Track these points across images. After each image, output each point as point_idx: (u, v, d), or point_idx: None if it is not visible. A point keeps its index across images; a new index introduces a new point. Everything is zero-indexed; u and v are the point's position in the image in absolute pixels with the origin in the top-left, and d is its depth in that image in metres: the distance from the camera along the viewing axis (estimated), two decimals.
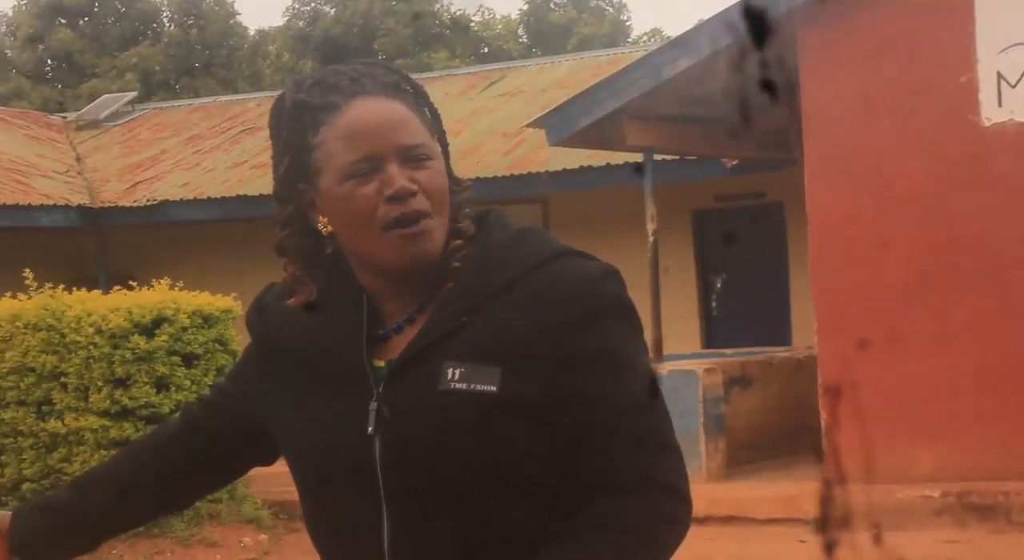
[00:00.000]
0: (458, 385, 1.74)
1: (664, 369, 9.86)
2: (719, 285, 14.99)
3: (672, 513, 1.76)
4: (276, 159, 1.86)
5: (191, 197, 16.35)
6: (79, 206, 16.57)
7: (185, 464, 2.04)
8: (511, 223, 1.86)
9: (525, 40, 36.57)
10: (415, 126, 1.80)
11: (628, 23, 37.57)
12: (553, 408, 1.74)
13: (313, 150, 1.80)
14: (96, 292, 10.13)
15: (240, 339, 10.15)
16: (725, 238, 14.43)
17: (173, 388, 9.51)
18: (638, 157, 11.59)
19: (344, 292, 1.86)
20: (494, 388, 1.73)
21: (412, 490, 1.77)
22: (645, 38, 35.65)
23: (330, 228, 1.82)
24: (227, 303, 10.06)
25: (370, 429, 1.77)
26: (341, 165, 1.77)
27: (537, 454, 1.76)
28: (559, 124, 10.90)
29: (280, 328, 1.91)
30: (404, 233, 1.76)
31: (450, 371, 1.75)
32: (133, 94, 24.06)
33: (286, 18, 34.06)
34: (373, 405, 1.78)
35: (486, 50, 34.64)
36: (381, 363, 1.82)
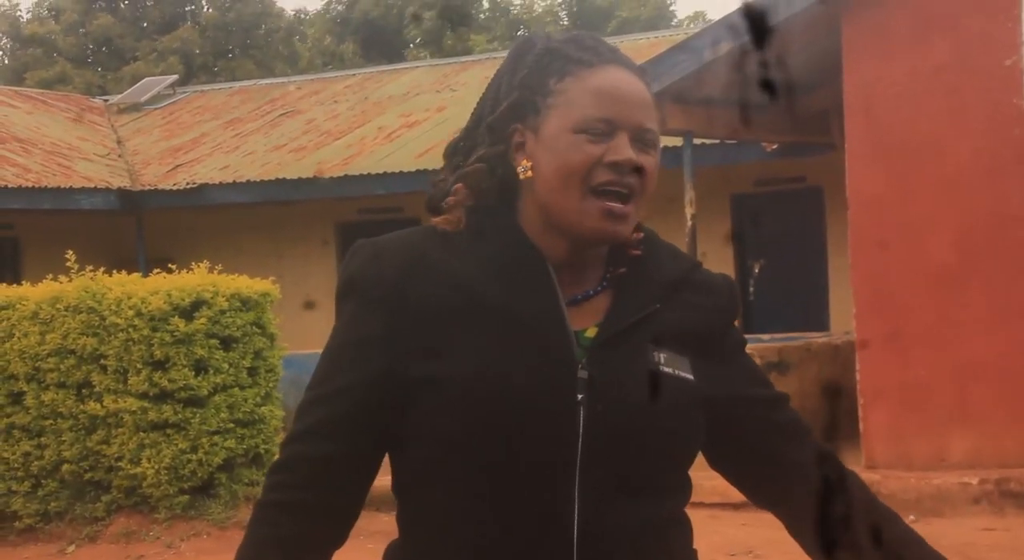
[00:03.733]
0: (666, 369, 1.81)
1: None
2: (757, 270, 14.92)
3: None
4: (502, 93, 1.87)
5: (230, 180, 16.39)
6: (120, 189, 16.66)
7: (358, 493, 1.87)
8: None
9: (566, 23, 36.48)
10: (655, 114, 1.85)
11: (672, 7, 37.35)
12: (719, 392, 1.88)
13: (550, 94, 1.82)
14: (136, 275, 10.18)
15: (278, 322, 10.19)
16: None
17: (211, 371, 9.55)
18: (678, 141, 11.54)
19: (523, 252, 1.83)
20: (691, 376, 1.84)
21: (609, 461, 1.75)
22: (688, 22, 35.49)
23: (530, 173, 1.82)
24: (265, 286, 10.09)
25: (580, 396, 1.75)
26: (579, 116, 1.79)
27: (702, 439, 1.88)
28: None
29: (443, 281, 1.80)
30: (608, 208, 1.79)
31: (656, 354, 1.82)
32: (174, 77, 24.16)
33: (325, 1, 34.08)
34: (583, 373, 1.76)
35: (525, 33, 34.56)
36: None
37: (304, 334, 14.37)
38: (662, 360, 1.81)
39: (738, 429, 1.92)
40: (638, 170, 1.79)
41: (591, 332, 1.82)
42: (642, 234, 1.89)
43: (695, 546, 1.95)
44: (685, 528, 1.91)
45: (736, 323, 1.98)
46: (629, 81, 1.83)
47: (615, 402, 1.76)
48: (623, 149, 1.78)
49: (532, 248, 1.83)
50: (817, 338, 12.25)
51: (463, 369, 1.75)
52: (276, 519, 1.83)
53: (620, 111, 1.80)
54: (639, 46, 18.38)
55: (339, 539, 1.87)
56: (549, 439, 1.74)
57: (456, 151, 1.92)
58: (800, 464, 1.94)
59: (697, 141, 11.46)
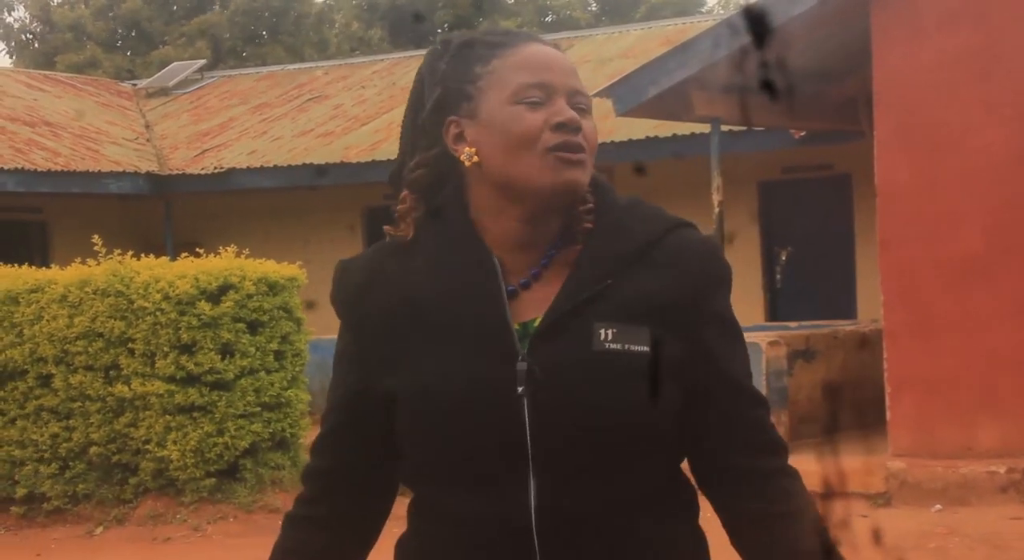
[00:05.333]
0: (613, 345, 1.77)
1: None
2: (784, 257, 14.87)
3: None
4: (425, 95, 1.87)
5: (258, 165, 16.43)
6: (148, 173, 16.72)
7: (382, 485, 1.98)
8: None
9: (594, 8, 36.38)
10: (582, 83, 1.86)
11: None
12: (687, 363, 1.80)
13: (478, 78, 1.82)
14: (164, 259, 10.22)
15: (303, 307, 10.23)
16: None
17: (238, 355, 9.59)
18: (705, 128, 11.51)
19: (467, 249, 1.84)
20: (647, 348, 1.77)
21: (561, 449, 1.76)
22: (718, 7, 35.36)
23: (476, 159, 1.81)
24: (292, 271, 10.12)
25: (520, 389, 1.76)
26: (514, 87, 1.80)
27: (673, 411, 1.80)
28: (626, 94, 10.83)
29: (394, 293, 1.85)
30: (565, 156, 1.78)
31: (603, 331, 1.77)
32: (202, 62, 24.20)
33: None
34: (522, 365, 1.76)
35: (552, 18, 34.48)
36: (516, 325, 1.81)
37: (331, 319, 14.38)
38: (609, 336, 1.77)
39: (692, 413, 1.83)
40: (579, 130, 1.81)
41: (539, 321, 1.81)
42: (591, 205, 1.85)
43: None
44: (677, 506, 1.88)
45: (716, 290, 1.85)
46: (553, 52, 1.86)
47: (555, 390, 1.76)
48: (564, 110, 1.80)
49: (477, 247, 1.84)
50: (844, 326, 12.21)
51: (414, 381, 1.81)
52: (291, 531, 2.00)
53: (552, 76, 1.82)
54: (668, 32, 18.32)
55: (360, 545, 2.00)
56: (497, 436, 1.77)
57: (399, 174, 1.92)
58: (742, 470, 1.83)
59: (724, 128, 11.42)
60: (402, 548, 1.94)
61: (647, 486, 1.82)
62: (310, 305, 10.54)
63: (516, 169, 1.79)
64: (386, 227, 1.90)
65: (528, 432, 1.75)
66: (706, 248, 1.87)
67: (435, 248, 1.85)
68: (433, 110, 1.85)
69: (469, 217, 1.85)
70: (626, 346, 1.77)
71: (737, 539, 1.87)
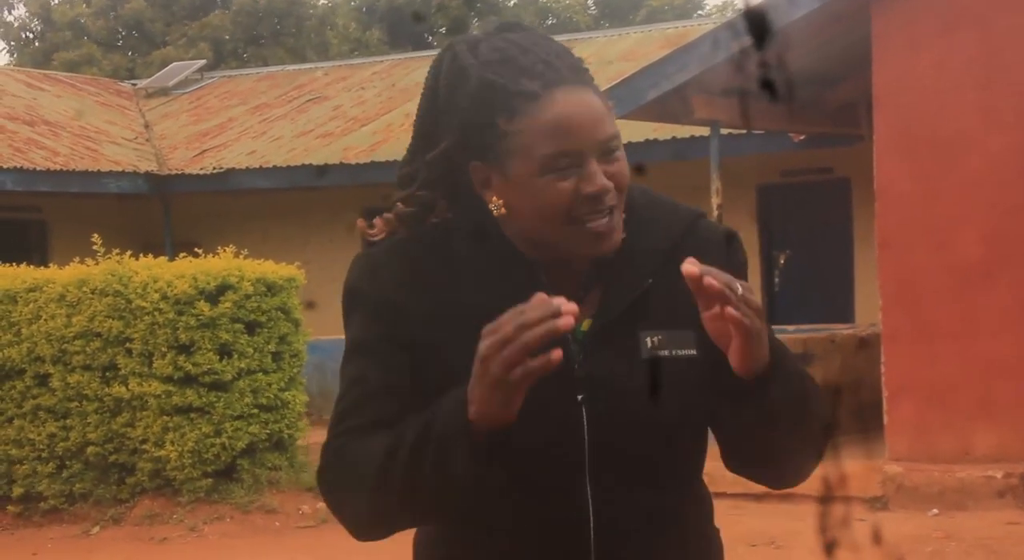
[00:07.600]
0: (661, 352, 1.79)
1: None
2: (783, 261, 14.88)
3: None
4: (441, 127, 1.83)
5: (257, 165, 16.43)
6: (147, 173, 16.71)
7: None
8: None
9: (594, 11, 36.39)
10: (609, 117, 1.79)
11: None
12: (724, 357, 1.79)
13: (505, 137, 1.76)
14: (162, 259, 10.22)
15: (303, 308, 10.22)
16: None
17: (236, 355, 9.59)
18: (704, 131, 11.50)
19: (514, 263, 1.82)
20: (693, 351, 1.79)
21: (618, 455, 1.78)
22: (716, 12, 35.37)
23: (504, 210, 1.78)
24: (291, 272, 10.12)
25: (580, 397, 1.77)
26: (540, 158, 1.74)
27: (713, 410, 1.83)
28: (625, 97, 10.82)
29: (440, 294, 1.81)
30: (594, 228, 1.76)
31: (649, 339, 1.79)
32: (202, 62, 24.20)
33: None
34: (581, 372, 1.78)
35: (553, 21, 34.51)
36: None
37: (329, 319, 14.39)
38: (657, 343, 1.78)
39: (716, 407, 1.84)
40: (609, 192, 1.76)
41: (586, 325, 1.81)
42: (623, 216, 1.83)
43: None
44: (704, 503, 1.93)
45: (744, 278, 1.84)
46: (578, 102, 1.76)
47: (615, 399, 1.78)
48: (595, 178, 1.74)
49: (523, 260, 1.82)
50: (842, 330, 12.21)
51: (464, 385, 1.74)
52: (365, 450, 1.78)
53: (580, 138, 1.74)
54: (668, 35, 18.33)
55: None
56: (555, 443, 1.77)
57: (405, 179, 1.90)
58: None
59: (724, 131, 11.42)
60: (427, 552, 1.91)
61: (693, 488, 1.89)
62: (310, 305, 10.52)
63: (546, 235, 1.78)
64: (359, 221, 1.88)
65: (586, 439, 1.77)
66: (727, 237, 1.91)
67: (480, 260, 1.83)
68: (452, 150, 1.81)
69: (506, 236, 1.83)
70: (673, 352, 1.79)
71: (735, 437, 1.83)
